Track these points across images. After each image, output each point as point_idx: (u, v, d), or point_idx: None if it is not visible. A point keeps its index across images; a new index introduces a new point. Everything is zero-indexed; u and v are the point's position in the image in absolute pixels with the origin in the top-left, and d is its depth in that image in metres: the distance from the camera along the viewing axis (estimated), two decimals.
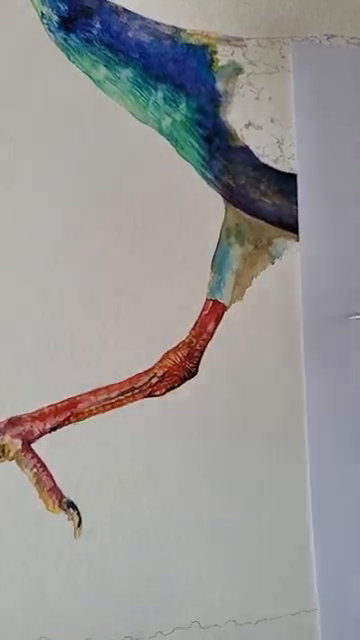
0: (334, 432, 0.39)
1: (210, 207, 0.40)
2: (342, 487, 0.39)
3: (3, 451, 0.36)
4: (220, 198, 0.40)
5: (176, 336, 0.39)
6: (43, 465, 0.36)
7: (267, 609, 0.38)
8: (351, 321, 0.40)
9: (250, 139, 0.41)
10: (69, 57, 0.39)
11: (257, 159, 0.41)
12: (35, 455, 0.36)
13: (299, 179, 0.41)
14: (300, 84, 0.41)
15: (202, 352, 0.39)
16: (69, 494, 0.36)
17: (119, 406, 0.37)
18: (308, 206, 0.41)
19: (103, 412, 0.37)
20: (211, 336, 0.39)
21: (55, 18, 0.39)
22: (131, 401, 0.38)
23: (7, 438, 0.36)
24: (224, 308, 0.40)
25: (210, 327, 0.39)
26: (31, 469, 0.36)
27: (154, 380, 0.38)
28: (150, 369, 0.38)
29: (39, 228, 0.38)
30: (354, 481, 0.39)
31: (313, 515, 0.39)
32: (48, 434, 0.37)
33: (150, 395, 0.38)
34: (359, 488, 0.39)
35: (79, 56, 0.39)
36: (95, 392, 0.37)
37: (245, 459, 0.39)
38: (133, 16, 0.40)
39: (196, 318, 0.39)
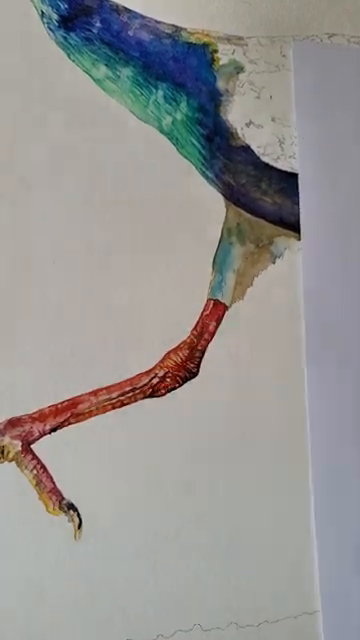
0: (336, 432, 0.39)
1: (211, 206, 0.40)
2: (344, 488, 0.39)
3: (3, 452, 0.36)
4: (221, 197, 0.40)
5: (177, 336, 0.39)
6: (43, 466, 0.36)
7: (269, 611, 0.38)
8: (353, 320, 0.40)
9: (251, 138, 0.41)
10: (69, 56, 0.39)
11: (258, 158, 0.41)
12: (35, 456, 0.36)
13: (300, 178, 0.41)
14: (301, 83, 0.41)
15: (203, 352, 0.39)
16: (69, 496, 0.36)
17: (120, 406, 0.37)
18: (309, 205, 0.40)
19: (104, 413, 0.37)
20: (212, 336, 0.39)
21: (55, 17, 0.39)
22: (132, 401, 0.38)
23: (7, 439, 0.36)
24: (225, 308, 0.39)
25: (211, 327, 0.39)
26: (31, 470, 0.36)
27: (155, 380, 0.38)
28: (151, 369, 0.38)
29: (38, 227, 0.38)
30: (356, 482, 0.39)
31: (315, 516, 0.39)
32: (48, 435, 0.37)
33: (151, 395, 0.38)
34: None
35: (79, 55, 0.39)
36: (95, 392, 0.37)
37: (246, 460, 0.39)
38: (133, 15, 0.40)
39: (197, 318, 0.39)
